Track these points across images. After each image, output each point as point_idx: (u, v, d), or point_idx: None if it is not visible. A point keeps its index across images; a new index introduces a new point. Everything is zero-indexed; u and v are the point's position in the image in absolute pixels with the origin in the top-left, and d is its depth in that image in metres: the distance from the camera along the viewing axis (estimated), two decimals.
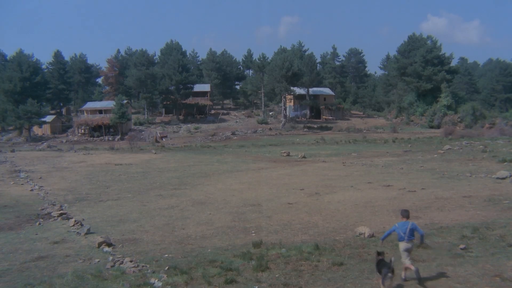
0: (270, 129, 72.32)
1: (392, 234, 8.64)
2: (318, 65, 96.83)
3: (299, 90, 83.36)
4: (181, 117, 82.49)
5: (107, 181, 24.71)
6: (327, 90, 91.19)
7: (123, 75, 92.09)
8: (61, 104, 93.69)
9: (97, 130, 70.97)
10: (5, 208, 17.50)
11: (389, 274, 7.68)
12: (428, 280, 8.28)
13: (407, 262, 8.30)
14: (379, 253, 8.22)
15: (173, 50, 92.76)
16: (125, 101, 72.20)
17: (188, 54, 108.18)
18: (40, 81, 77.97)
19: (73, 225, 13.99)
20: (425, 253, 9.90)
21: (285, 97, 77.52)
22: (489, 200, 15.69)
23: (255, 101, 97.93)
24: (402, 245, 8.31)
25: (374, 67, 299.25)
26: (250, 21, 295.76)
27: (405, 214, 8.64)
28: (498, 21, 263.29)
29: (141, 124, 77.11)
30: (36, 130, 74.02)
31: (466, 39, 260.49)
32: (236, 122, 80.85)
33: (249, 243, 11.39)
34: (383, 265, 7.89)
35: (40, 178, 26.22)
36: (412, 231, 8.30)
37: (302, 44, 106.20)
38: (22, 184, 24.00)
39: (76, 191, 21.32)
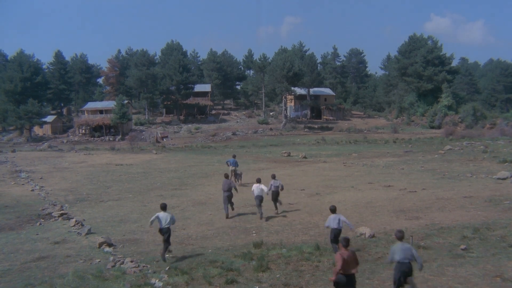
0: (271, 129, 72.27)
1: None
2: (318, 65, 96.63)
3: (299, 90, 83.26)
4: (181, 117, 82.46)
5: (108, 181, 24.73)
6: (327, 91, 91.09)
7: (123, 75, 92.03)
8: (62, 104, 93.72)
9: (97, 130, 70.98)
10: (6, 208, 17.53)
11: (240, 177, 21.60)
12: (429, 281, 8.29)
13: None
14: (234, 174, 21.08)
15: (173, 50, 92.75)
16: (125, 101, 72.15)
17: (188, 54, 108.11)
18: (41, 81, 77.95)
19: (74, 225, 14.01)
20: (426, 254, 9.90)
21: (285, 97, 77.44)
22: (490, 201, 15.68)
23: (255, 101, 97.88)
24: (232, 168, 21.59)
25: (375, 68, 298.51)
26: (250, 22, 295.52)
27: (234, 155, 23.89)
28: (501, 21, 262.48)
29: (141, 124, 77.08)
30: (37, 130, 74.04)
31: (469, 39, 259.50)
32: (237, 122, 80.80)
33: (250, 243, 11.40)
34: (237, 175, 21.30)
35: (41, 178, 26.24)
36: (236, 162, 21.90)
37: (303, 44, 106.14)
38: (23, 184, 24.02)
39: (77, 192, 21.34)
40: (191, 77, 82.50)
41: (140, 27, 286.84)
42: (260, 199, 14.44)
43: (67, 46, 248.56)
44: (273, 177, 15.35)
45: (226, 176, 15.79)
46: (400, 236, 7.97)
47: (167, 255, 10.55)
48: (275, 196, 15.00)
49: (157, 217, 10.59)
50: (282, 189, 15.16)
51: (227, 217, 14.79)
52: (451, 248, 10.27)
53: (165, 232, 10.55)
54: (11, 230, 14.03)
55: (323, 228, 12.87)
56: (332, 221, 10.24)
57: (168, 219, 10.61)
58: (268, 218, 14.32)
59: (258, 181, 14.89)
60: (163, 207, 10.85)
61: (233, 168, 21.89)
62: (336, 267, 7.35)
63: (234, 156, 23.35)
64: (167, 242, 10.59)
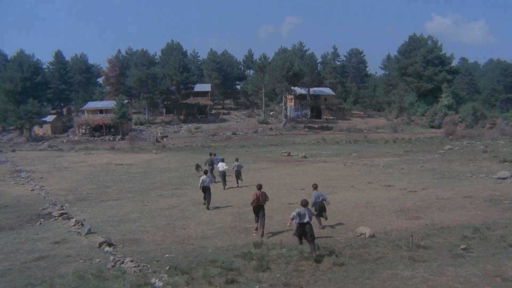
0: (271, 129, 72.29)
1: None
2: (318, 65, 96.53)
3: (299, 90, 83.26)
4: (181, 117, 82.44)
5: (108, 181, 24.73)
6: (327, 90, 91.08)
7: (124, 75, 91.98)
8: (62, 104, 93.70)
9: (97, 130, 71.00)
10: (6, 208, 17.53)
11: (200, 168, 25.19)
12: (429, 281, 8.28)
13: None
14: (197, 165, 26.30)
15: (173, 50, 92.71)
16: (125, 101, 72.15)
17: (188, 54, 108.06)
18: (41, 81, 77.95)
19: (74, 225, 14.01)
20: (426, 253, 9.90)
21: (285, 97, 77.46)
22: (490, 201, 15.68)
23: (255, 101, 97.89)
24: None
25: (375, 67, 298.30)
26: (250, 21, 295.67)
27: (209, 153, 26.60)
28: (502, 21, 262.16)
29: (141, 124, 77.08)
30: (37, 130, 74.03)
31: (469, 39, 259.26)
32: (237, 122, 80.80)
33: (250, 243, 11.40)
34: (198, 165, 26.04)
35: (41, 178, 26.25)
36: (218, 159, 23.03)
37: (303, 44, 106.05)
38: (23, 184, 24.02)
39: (77, 191, 21.34)
40: (191, 77, 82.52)
41: (140, 27, 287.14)
42: (223, 173, 20.74)
43: (67, 46, 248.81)
44: (236, 160, 21.72)
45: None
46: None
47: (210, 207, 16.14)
48: (237, 174, 20.97)
49: (202, 179, 16.25)
50: (242, 168, 21.49)
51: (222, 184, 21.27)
52: (451, 248, 10.27)
53: (206, 190, 16.16)
54: (11, 230, 14.03)
55: (324, 228, 12.88)
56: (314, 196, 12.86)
57: (208, 180, 16.29)
58: (228, 188, 20.53)
59: (222, 160, 21.56)
60: (206, 172, 17.14)
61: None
62: (252, 199, 12.51)
63: (210, 154, 25.70)
64: (209, 196, 16.17)
